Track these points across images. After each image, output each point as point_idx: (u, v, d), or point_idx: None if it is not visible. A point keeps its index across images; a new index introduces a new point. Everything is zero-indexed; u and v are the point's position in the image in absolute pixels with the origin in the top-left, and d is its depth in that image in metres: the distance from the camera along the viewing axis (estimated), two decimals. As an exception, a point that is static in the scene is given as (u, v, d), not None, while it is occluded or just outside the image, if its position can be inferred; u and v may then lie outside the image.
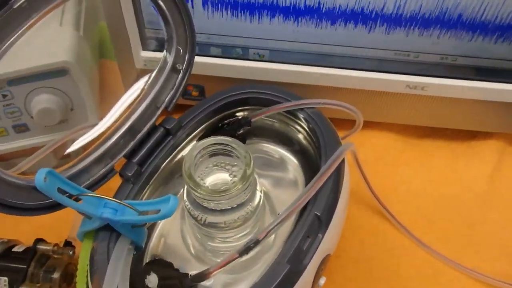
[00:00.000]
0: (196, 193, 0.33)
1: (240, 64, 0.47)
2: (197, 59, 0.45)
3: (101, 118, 0.39)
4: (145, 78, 0.38)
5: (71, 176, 0.34)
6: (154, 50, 0.47)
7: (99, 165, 0.35)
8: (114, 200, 0.32)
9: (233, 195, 0.33)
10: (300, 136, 0.42)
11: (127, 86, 0.40)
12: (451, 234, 0.47)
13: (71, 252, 0.41)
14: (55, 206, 0.33)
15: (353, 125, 0.41)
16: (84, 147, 0.36)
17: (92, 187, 0.35)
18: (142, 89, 0.38)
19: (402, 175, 0.51)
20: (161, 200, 0.31)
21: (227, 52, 0.47)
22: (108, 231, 0.33)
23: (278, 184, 0.42)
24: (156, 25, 0.45)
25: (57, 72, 0.42)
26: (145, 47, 0.47)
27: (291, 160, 0.44)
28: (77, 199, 0.31)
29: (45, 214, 0.33)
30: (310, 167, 0.42)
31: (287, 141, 0.43)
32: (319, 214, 0.33)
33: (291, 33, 0.45)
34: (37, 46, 0.42)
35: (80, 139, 0.36)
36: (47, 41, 0.42)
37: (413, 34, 0.43)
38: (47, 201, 0.32)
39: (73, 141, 0.39)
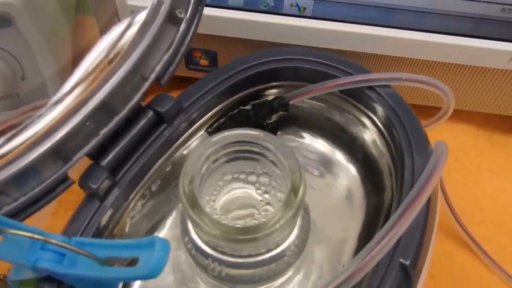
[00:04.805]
0: (204, 230, 0.19)
1: (270, 20, 0.35)
2: (209, 12, 0.35)
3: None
4: (122, 25, 0.24)
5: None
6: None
7: (41, 171, 0.21)
8: (56, 243, 0.19)
9: (272, 235, 0.19)
10: (365, 132, 0.30)
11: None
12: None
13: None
14: None
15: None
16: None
17: (24, 211, 0.21)
18: (118, 45, 0.23)
19: (485, 185, 0.41)
20: (140, 244, 0.19)
21: (251, 2, 0.35)
22: (55, 282, 0.21)
23: (323, 205, 0.30)
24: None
25: (-3, 22, 0.31)
26: (133, -9, 0.35)
27: (346, 167, 0.31)
28: (-8, 235, 0.19)
29: None
30: (375, 181, 0.30)
31: (342, 138, 0.32)
32: (406, 263, 0.22)
33: (348, -28, 0.33)
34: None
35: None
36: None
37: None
38: None
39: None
